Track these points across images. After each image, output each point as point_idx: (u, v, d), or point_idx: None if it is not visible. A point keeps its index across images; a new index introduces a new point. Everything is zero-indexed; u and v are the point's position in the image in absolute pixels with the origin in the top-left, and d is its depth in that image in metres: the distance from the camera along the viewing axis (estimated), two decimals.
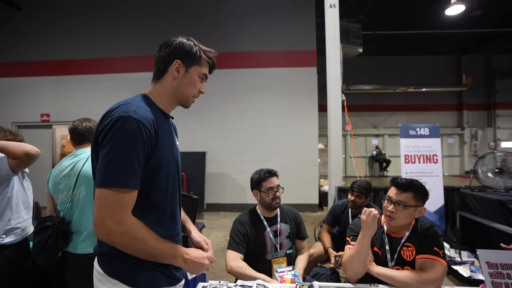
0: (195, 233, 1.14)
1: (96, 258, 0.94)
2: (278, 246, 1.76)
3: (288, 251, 1.80)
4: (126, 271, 0.88)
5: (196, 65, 0.98)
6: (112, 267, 0.88)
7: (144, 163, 0.86)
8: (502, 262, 1.15)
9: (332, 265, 2.10)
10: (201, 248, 1.09)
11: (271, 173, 1.79)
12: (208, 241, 1.11)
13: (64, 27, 6.66)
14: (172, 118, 1.06)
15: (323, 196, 6.22)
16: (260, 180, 1.79)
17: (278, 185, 1.79)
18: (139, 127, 0.83)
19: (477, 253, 1.21)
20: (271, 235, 1.77)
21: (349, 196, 2.41)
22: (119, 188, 0.81)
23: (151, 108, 0.93)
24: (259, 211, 1.83)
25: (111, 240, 0.83)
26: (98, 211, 0.82)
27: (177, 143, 1.06)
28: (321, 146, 7.10)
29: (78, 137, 1.68)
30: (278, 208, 1.85)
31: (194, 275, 1.06)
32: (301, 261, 1.84)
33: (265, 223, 1.79)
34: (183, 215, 1.15)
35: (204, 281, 1.38)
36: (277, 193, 1.77)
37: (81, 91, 6.57)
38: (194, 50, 0.97)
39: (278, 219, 1.82)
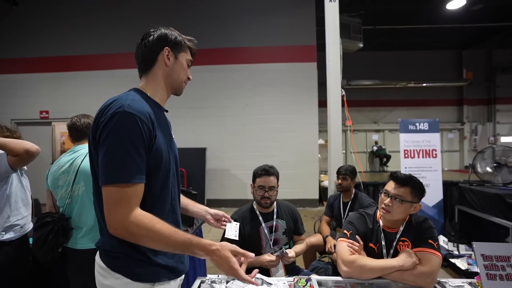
0: (211, 210, 1.19)
1: (98, 253, 0.95)
2: (272, 242, 1.74)
3: (284, 247, 1.78)
4: (129, 265, 0.88)
5: (183, 52, 1.02)
6: (116, 262, 0.89)
7: (145, 156, 0.86)
8: (496, 254, 1.16)
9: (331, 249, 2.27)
10: (224, 217, 1.18)
11: (268, 173, 1.75)
12: (227, 215, 1.19)
13: (62, 23, 6.62)
14: (167, 111, 1.06)
15: (323, 191, 6.24)
16: (255, 176, 1.79)
17: (272, 187, 1.74)
18: (136, 121, 0.83)
19: (473, 245, 1.22)
20: (266, 231, 1.76)
21: (336, 180, 2.66)
22: (122, 183, 0.81)
23: (146, 102, 0.92)
24: (255, 206, 1.81)
25: (120, 235, 0.83)
26: (105, 208, 0.82)
27: (173, 136, 1.06)
28: (321, 141, 7.10)
29: (77, 133, 1.68)
30: (275, 204, 1.82)
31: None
32: (299, 243, 1.86)
33: (261, 218, 1.77)
34: (190, 201, 1.18)
35: (205, 273, 1.40)
36: (266, 194, 1.73)
37: (80, 88, 6.55)
38: (179, 38, 1.01)
39: (275, 216, 1.80)
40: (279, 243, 1.77)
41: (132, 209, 0.82)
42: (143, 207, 0.87)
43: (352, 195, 2.62)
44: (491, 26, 8.78)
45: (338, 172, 2.65)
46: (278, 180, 1.80)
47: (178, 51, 1.00)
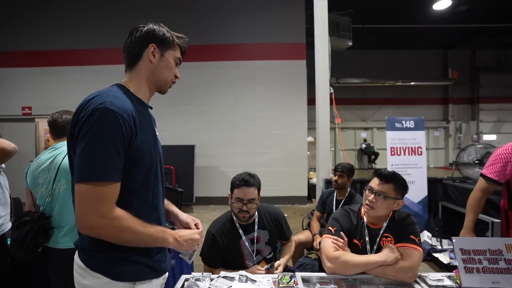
0: (182, 215, 1.14)
1: (76, 252, 0.93)
2: (254, 253, 1.62)
3: (268, 256, 1.66)
4: (109, 264, 0.87)
5: (171, 49, 0.99)
6: (95, 261, 0.87)
7: (124, 155, 0.84)
8: (474, 248, 1.20)
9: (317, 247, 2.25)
10: (189, 227, 1.10)
11: (247, 183, 1.53)
12: (197, 220, 1.13)
13: (46, 16, 6.38)
14: (151, 108, 1.04)
15: (312, 188, 6.30)
16: (233, 186, 1.57)
17: (252, 199, 1.53)
18: (117, 118, 0.81)
19: (453, 240, 1.26)
20: (247, 244, 1.60)
21: (333, 177, 2.63)
22: (99, 181, 0.79)
23: (128, 98, 0.90)
24: (234, 218, 1.62)
25: (96, 234, 0.83)
26: (79, 206, 0.80)
27: (157, 133, 1.04)
28: (310, 139, 7.15)
29: (58, 129, 1.64)
30: (257, 212, 1.64)
31: (192, 260, 1.07)
32: (286, 251, 1.75)
33: (241, 231, 1.60)
34: (165, 201, 1.15)
35: (192, 271, 1.38)
36: (245, 207, 1.53)
37: (65, 83, 6.35)
38: (167, 35, 0.98)
39: (256, 227, 1.62)
40: (262, 253, 1.64)
41: (111, 206, 0.82)
42: (122, 204, 0.86)
43: (347, 194, 2.60)
44: (475, 27, 9.03)
45: (335, 169, 2.63)
46: (259, 190, 1.59)
47: (165, 48, 0.97)
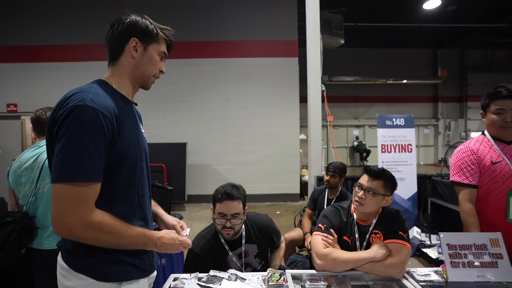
0: (167, 217, 1.11)
1: (59, 253, 0.90)
2: (243, 267, 1.50)
3: (258, 267, 1.56)
4: (93, 264, 0.85)
5: (154, 43, 0.95)
6: (78, 261, 0.85)
7: (105, 154, 0.81)
8: (460, 243, 1.22)
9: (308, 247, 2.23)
10: (174, 229, 1.06)
11: (230, 197, 1.38)
12: (182, 222, 1.10)
13: (33, 10, 6.19)
14: (136, 104, 1.01)
15: (304, 186, 6.33)
16: (215, 200, 1.43)
17: (236, 214, 1.39)
18: (98, 116, 0.79)
19: (440, 236, 1.28)
20: (234, 259, 1.48)
21: (325, 176, 2.61)
22: (78, 182, 0.77)
23: (110, 95, 0.87)
24: (219, 234, 1.48)
25: (74, 236, 0.80)
26: (56, 207, 0.77)
27: (143, 130, 1.01)
28: (303, 136, 7.18)
29: (42, 127, 1.59)
30: (243, 226, 1.50)
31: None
32: (277, 259, 1.66)
33: (227, 247, 1.47)
34: (152, 203, 1.12)
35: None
36: (229, 223, 1.38)
37: (52, 80, 6.18)
38: (150, 27, 0.93)
39: (243, 241, 1.49)
40: (251, 266, 1.53)
41: (90, 208, 0.80)
42: (106, 204, 0.84)
43: (338, 193, 2.59)
44: (463, 26, 9.20)
45: (327, 169, 2.60)
46: (245, 204, 1.44)
47: (148, 42, 0.93)
